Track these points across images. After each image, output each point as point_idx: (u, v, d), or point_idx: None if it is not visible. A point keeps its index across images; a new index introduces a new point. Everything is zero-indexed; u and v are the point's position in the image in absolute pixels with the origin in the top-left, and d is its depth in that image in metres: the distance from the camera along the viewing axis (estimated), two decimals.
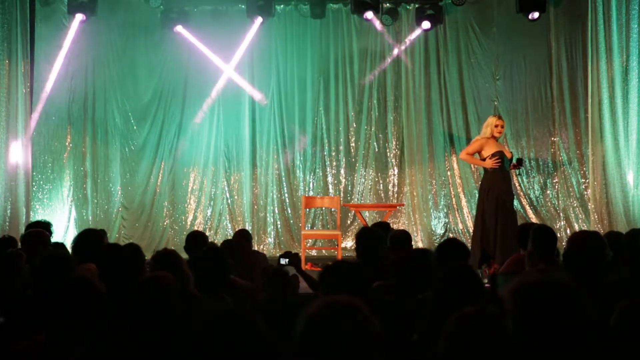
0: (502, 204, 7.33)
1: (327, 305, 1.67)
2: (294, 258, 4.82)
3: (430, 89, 9.64)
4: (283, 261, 4.79)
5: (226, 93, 9.68)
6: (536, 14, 9.03)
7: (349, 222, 9.61)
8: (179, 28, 9.28)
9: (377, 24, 9.42)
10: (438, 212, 9.58)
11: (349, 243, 9.31)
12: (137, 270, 3.55)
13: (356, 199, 9.63)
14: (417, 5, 9.44)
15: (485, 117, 9.46)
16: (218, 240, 8.87)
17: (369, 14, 9.13)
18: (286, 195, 9.69)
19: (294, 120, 9.69)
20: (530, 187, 9.55)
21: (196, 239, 5.22)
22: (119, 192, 9.61)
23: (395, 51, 9.64)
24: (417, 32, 9.44)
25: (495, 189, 7.35)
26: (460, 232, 9.38)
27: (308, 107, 9.72)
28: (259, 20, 9.22)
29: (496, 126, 7.53)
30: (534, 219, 9.22)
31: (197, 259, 4.13)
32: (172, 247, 5.35)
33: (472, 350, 1.93)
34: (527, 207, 9.47)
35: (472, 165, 9.51)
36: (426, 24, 9.25)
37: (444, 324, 2.01)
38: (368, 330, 1.65)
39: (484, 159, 7.48)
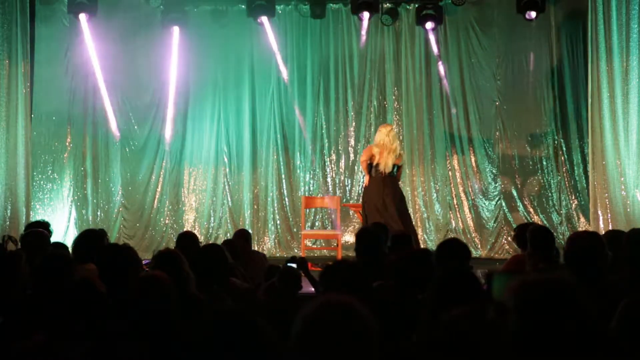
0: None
1: (322, 305, 1.66)
2: (300, 262, 4.81)
3: (431, 89, 9.64)
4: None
5: (227, 93, 9.68)
6: (533, 14, 8.97)
7: (348, 222, 9.60)
8: (175, 30, 9.26)
9: (365, 26, 9.36)
10: (438, 212, 9.57)
11: (349, 239, 9.29)
12: (136, 270, 3.55)
13: (356, 199, 9.62)
14: (417, 5, 9.43)
15: (487, 116, 9.54)
16: (218, 240, 8.87)
17: (365, 15, 9.11)
18: (286, 195, 9.69)
19: (294, 120, 9.69)
20: (531, 187, 9.54)
21: (187, 239, 5.17)
22: (120, 192, 9.61)
23: (396, 51, 9.65)
24: (422, 33, 9.41)
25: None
26: (461, 231, 9.38)
27: (308, 107, 9.72)
28: (266, 21, 9.18)
29: None
30: (534, 219, 9.21)
31: (197, 259, 4.13)
32: (173, 247, 5.34)
33: (468, 350, 1.93)
34: (528, 207, 9.47)
35: (472, 165, 9.51)
36: (429, 24, 9.23)
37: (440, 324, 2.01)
38: (364, 329, 1.64)
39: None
